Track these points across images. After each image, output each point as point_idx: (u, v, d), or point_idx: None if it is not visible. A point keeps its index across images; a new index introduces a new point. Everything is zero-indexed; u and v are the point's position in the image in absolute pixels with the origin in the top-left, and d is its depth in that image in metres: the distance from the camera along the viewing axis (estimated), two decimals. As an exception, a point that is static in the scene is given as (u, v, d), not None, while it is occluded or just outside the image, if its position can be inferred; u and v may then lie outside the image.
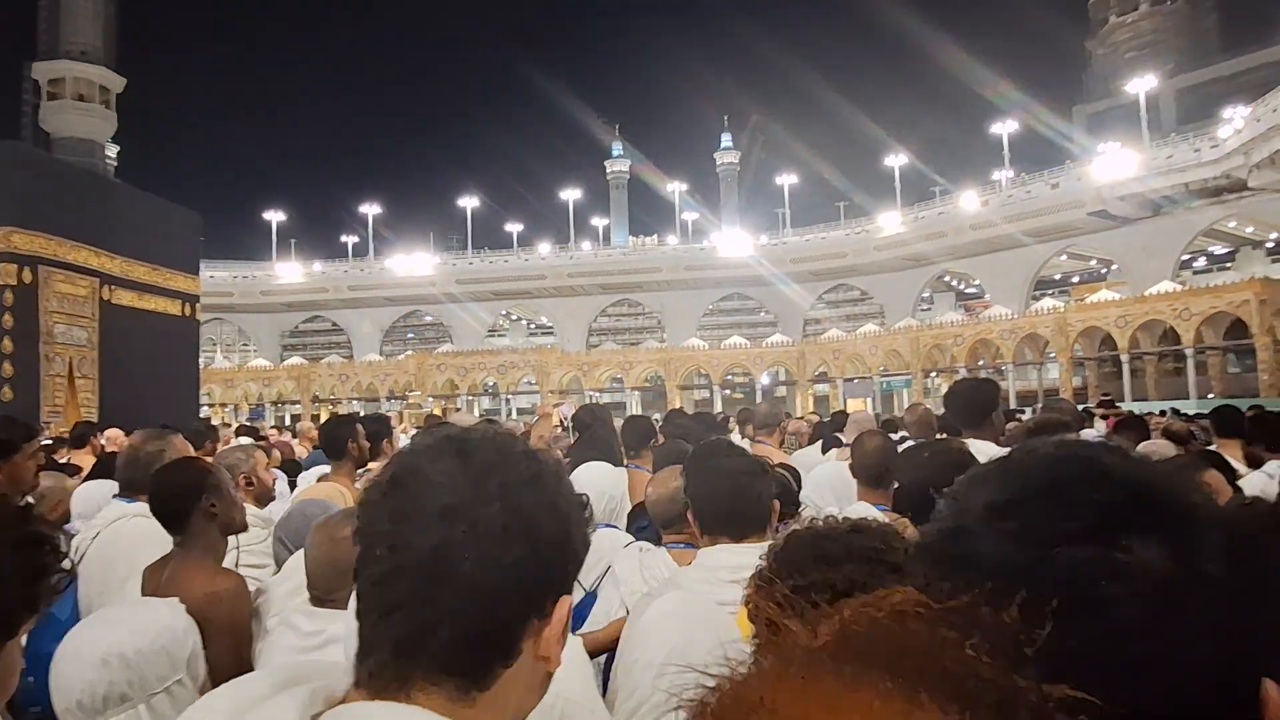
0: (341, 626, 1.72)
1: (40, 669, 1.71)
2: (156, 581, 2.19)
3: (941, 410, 5.35)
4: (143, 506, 2.52)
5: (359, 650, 0.77)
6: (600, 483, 3.21)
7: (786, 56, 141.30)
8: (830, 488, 3.72)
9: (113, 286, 16.31)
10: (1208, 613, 0.53)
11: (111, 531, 2.68)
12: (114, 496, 2.99)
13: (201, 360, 51.40)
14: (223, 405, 41.38)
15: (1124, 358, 32.46)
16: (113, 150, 64.86)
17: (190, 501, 2.25)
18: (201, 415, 27.57)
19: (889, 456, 3.07)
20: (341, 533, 1.88)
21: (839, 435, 6.03)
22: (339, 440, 4.04)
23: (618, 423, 4.94)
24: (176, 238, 18.51)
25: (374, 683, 0.75)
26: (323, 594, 1.91)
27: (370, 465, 4.12)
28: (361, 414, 5.93)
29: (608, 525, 3.02)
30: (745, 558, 1.87)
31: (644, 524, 2.98)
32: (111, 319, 16.16)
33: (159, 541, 2.27)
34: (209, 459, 3.08)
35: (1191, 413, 14.27)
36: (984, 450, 3.53)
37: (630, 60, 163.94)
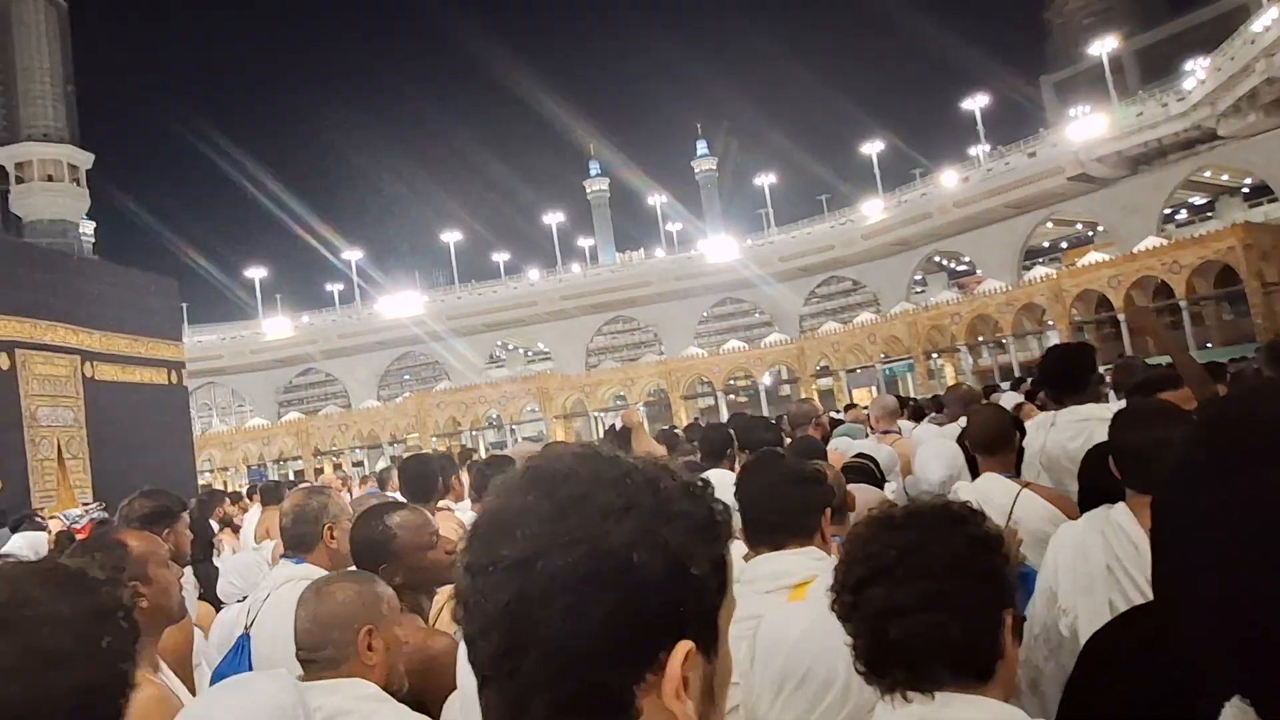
0: (339, 699, 1.68)
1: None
2: None
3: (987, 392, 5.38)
4: (310, 569, 2.57)
5: None
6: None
7: (755, 52, 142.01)
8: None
9: (94, 362, 16.07)
10: None
11: (280, 594, 2.62)
12: (281, 557, 2.95)
13: (198, 426, 51.10)
14: (222, 469, 41.04)
15: (1121, 317, 32.26)
16: (89, 227, 64.80)
17: None
18: (202, 482, 27.24)
19: (1006, 426, 3.24)
20: (335, 587, 1.84)
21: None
22: (429, 479, 3.88)
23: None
24: (155, 306, 18.30)
25: None
26: (305, 654, 1.79)
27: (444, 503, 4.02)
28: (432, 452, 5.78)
29: None
30: (785, 564, 1.94)
31: None
32: (96, 395, 15.92)
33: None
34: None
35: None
36: (1093, 414, 3.50)
37: (603, 72, 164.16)
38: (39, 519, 8.40)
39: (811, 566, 1.90)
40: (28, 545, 5.10)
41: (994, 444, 3.16)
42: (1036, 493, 2.86)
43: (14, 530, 6.51)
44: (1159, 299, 33.15)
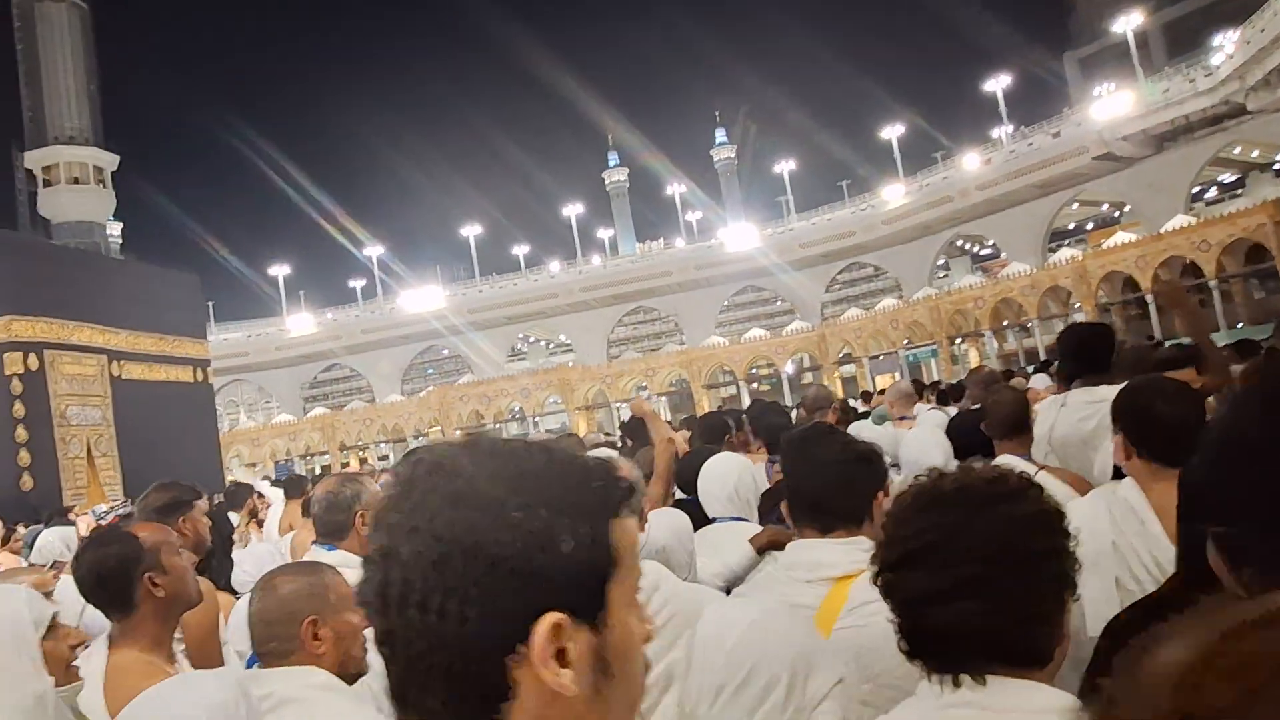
0: (288, 686, 1.70)
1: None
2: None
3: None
4: (344, 555, 2.57)
5: None
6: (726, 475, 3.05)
7: (774, 33, 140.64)
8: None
9: (121, 361, 16.28)
10: None
11: None
12: (313, 544, 2.95)
13: (226, 422, 51.62)
14: (250, 465, 41.54)
15: (1149, 298, 31.80)
16: (116, 227, 65.66)
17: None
18: (231, 478, 27.52)
19: (1025, 409, 3.26)
20: (279, 580, 1.85)
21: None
22: None
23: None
24: (179, 304, 18.51)
25: None
26: (257, 647, 1.84)
27: None
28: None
29: (736, 518, 2.91)
30: (828, 554, 1.83)
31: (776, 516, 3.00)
32: (123, 394, 16.13)
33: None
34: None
35: (1223, 344, 13.76)
36: (1107, 395, 3.44)
37: (622, 57, 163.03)
38: (70, 514, 8.60)
39: (858, 559, 1.74)
40: (59, 539, 5.19)
41: (1013, 427, 3.17)
42: (1054, 474, 2.80)
43: (46, 525, 6.65)
44: (1187, 278, 32.66)
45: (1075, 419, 3.48)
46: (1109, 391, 3.43)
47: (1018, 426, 3.18)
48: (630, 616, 0.75)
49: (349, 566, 2.14)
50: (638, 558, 0.77)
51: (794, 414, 6.87)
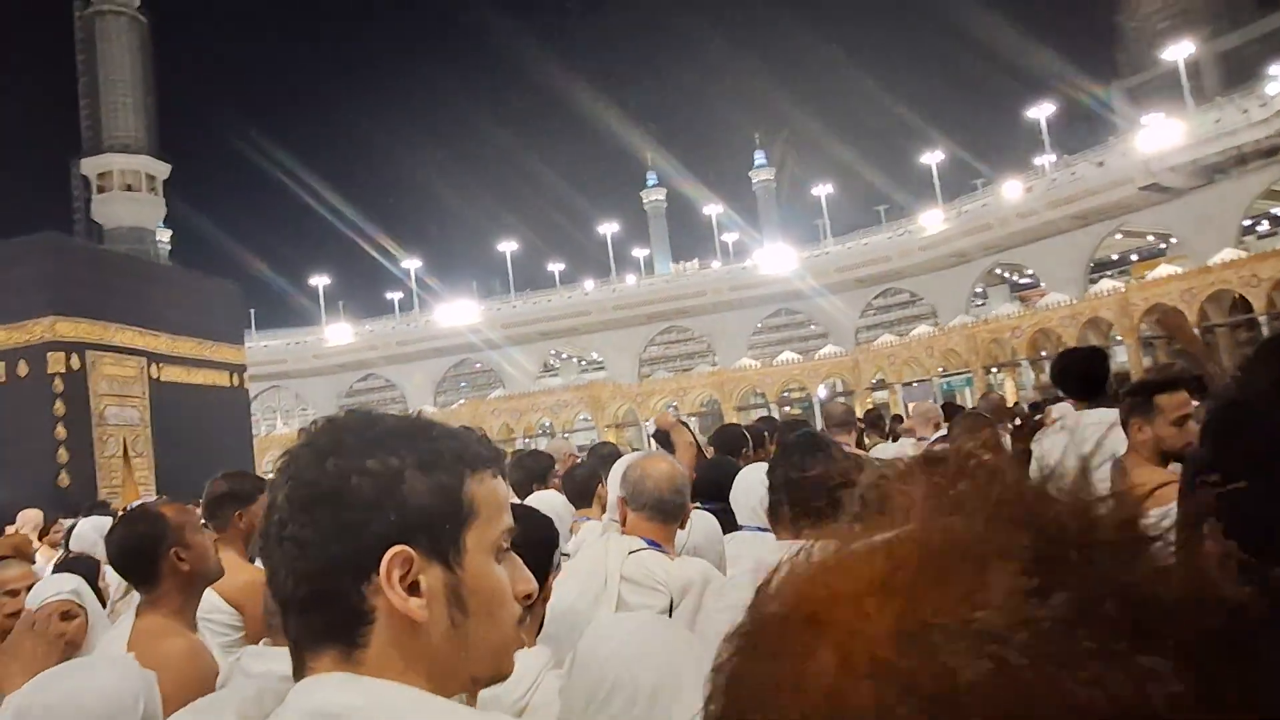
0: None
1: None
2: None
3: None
4: None
5: None
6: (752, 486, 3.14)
7: (816, 58, 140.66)
8: None
9: (160, 364, 16.57)
10: None
11: None
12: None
13: (263, 428, 52.30)
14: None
15: (1195, 332, 31.07)
16: (165, 235, 67.24)
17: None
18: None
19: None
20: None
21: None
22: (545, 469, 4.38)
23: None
24: (219, 311, 18.82)
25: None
26: (268, 620, 1.82)
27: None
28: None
29: (761, 529, 2.98)
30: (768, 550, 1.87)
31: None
32: (161, 396, 16.40)
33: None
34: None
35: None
36: (1107, 418, 3.42)
37: (662, 82, 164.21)
38: (109, 507, 8.81)
39: None
40: (93, 529, 5.32)
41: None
42: None
43: (86, 515, 6.81)
44: (1235, 313, 31.89)
45: (1075, 440, 3.42)
46: (1104, 415, 3.41)
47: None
48: (489, 564, 0.85)
49: None
50: (502, 511, 0.87)
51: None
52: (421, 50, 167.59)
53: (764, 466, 3.45)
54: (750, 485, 3.07)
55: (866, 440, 7.64)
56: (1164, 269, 34.17)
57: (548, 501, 4.46)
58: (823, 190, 52.00)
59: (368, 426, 0.85)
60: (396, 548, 0.79)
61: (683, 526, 2.57)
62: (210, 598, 2.59)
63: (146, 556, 2.20)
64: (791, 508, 2.30)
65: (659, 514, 2.46)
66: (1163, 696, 0.28)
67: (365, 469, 0.81)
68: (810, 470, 2.13)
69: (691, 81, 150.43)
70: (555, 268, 55.38)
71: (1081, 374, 3.79)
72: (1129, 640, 0.29)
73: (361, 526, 0.79)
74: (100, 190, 53.25)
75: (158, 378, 16.45)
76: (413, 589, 0.80)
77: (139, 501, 8.60)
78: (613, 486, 3.08)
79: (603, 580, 2.32)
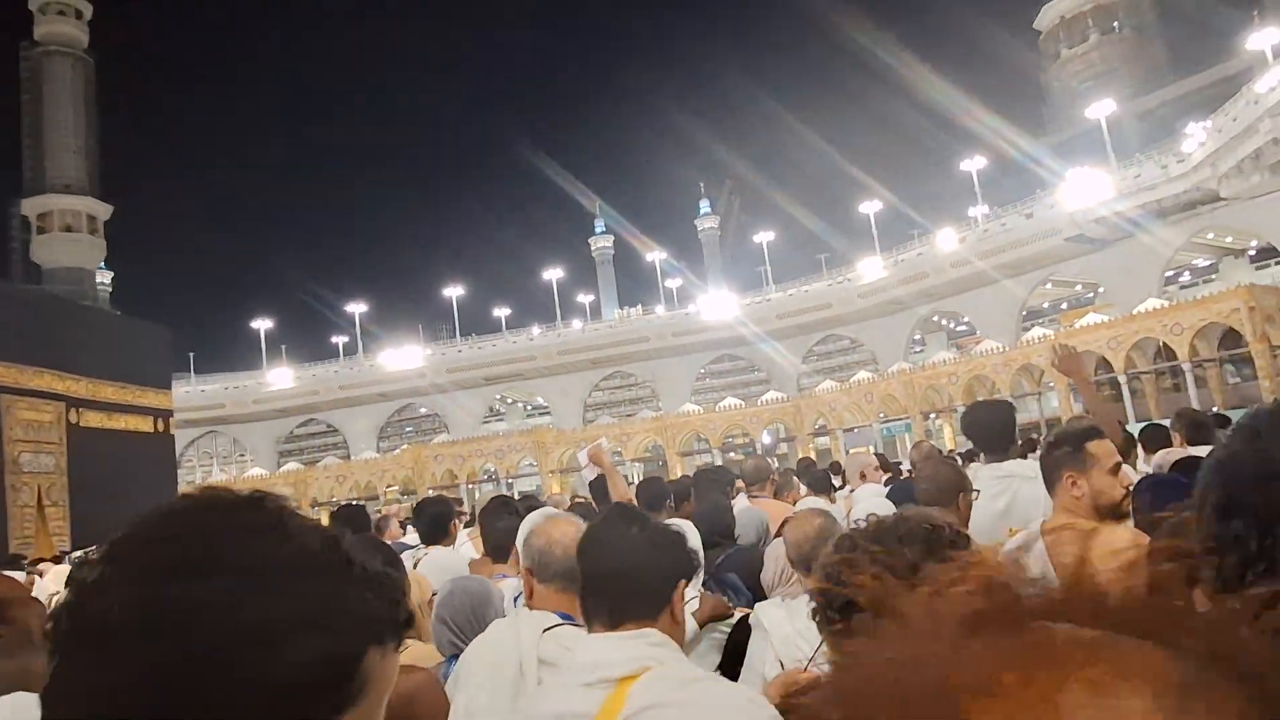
0: None
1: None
2: None
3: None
4: None
5: None
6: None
7: (759, 110, 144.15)
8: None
9: (80, 409, 16.14)
10: None
11: None
12: None
13: (199, 474, 50.70)
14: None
15: (1122, 379, 32.09)
16: (107, 276, 65.74)
17: None
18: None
19: (956, 480, 3.34)
20: None
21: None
22: (445, 519, 4.27)
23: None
24: (146, 355, 18.44)
25: None
26: None
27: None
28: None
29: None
30: (608, 652, 1.60)
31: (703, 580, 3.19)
32: (80, 442, 15.95)
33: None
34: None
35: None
36: (1018, 471, 3.49)
37: (608, 134, 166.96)
38: (18, 562, 8.53)
39: (643, 655, 1.56)
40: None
41: (945, 498, 3.21)
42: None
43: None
44: (1159, 361, 33.00)
45: (986, 497, 3.48)
46: (1018, 467, 3.43)
47: (950, 497, 3.22)
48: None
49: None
50: (383, 703, 0.65)
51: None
52: (366, 101, 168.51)
53: (679, 522, 3.51)
54: None
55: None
56: (1091, 317, 35.32)
57: (441, 561, 4.28)
58: (765, 237, 52.98)
59: (262, 540, 0.59)
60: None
61: None
62: None
63: None
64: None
65: (570, 584, 2.06)
66: None
67: (237, 610, 0.55)
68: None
69: (638, 134, 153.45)
70: (501, 313, 55.35)
71: (988, 426, 3.76)
72: None
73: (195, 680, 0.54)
74: (40, 231, 52.12)
75: (77, 423, 16.01)
76: None
77: (81, 554, 8.40)
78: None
79: (517, 668, 2.00)
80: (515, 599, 3.17)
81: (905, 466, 10.04)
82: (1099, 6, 58.91)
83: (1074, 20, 59.80)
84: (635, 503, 4.63)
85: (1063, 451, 2.67)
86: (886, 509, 3.78)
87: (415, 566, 4.22)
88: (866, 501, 4.16)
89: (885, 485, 5.65)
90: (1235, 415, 17.26)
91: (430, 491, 37.62)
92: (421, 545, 4.74)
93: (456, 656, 2.41)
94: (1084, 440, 2.67)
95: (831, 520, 2.82)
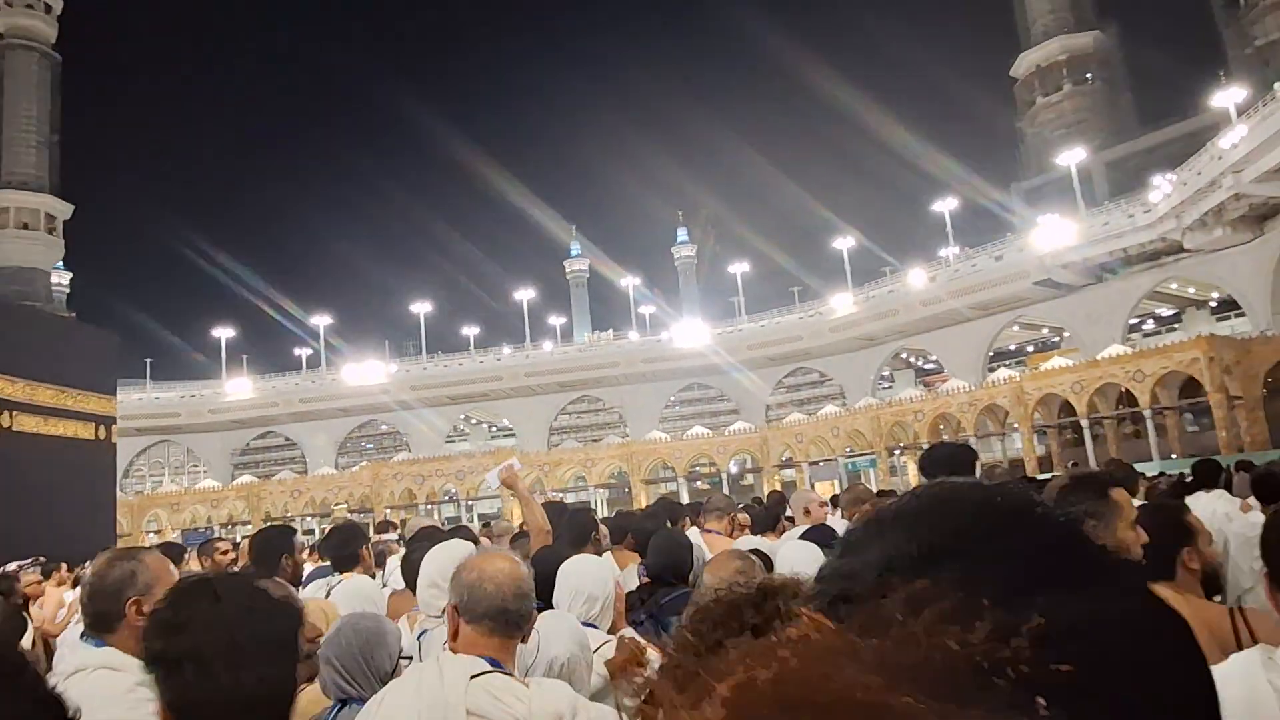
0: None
1: None
2: None
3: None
4: (111, 655, 2.18)
5: None
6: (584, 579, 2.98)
7: (738, 148, 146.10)
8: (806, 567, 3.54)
9: (13, 412, 15.40)
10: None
11: (70, 686, 2.01)
12: (80, 638, 2.46)
13: (148, 484, 49.36)
14: (160, 532, 39.57)
15: (1084, 423, 32.25)
16: (65, 277, 64.25)
17: None
18: (147, 544, 26.21)
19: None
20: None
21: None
22: (355, 545, 4.17)
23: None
24: (89, 359, 17.70)
25: None
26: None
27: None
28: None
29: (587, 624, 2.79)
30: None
31: (639, 619, 3.18)
32: (11, 447, 15.19)
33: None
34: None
35: (1154, 474, 13.73)
36: None
37: (588, 161, 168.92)
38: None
39: None
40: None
41: None
42: None
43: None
44: (1121, 407, 33.25)
45: None
46: None
47: None
48: None
49: (117, 669, 2.00)
50: None
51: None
52: (340, 130, 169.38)
53: (591, 558, 3.25)
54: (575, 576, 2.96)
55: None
56: (1056, 361, 35.56)
57: (357, 589, 3.98)
58: (739, 268, 53.04)
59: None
60: None
61: (525, 640, 2.14)
62: None
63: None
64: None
65: (500, 625, 2.01)
66: None
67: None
68: None
69: (616, 173, 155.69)
70: (470, 332, 54.76)
71: (947, 466, 3.52)
72: None
73: None
74: (-5, 227, 50.85)
75: (9, 427, 15.27)
76: None
77: (15, 564, 7.78)
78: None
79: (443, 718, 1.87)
80: (419, 636, 2.96)
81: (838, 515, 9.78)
82: (1073, 58, 60.17)
83: (1048, 70, 60.99)
84: (549, 530, 4.39)
85: (1090, 501, 2.23)
86: (812, 561, 3.50)
87: (328, 595, 4.00)
88: (790, 552, 3.85)
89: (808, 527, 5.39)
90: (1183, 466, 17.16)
91: (387, 511, 36.82)
92: (336, 573, 4.41)
93: (345, 701, 2.31)
94: (1107, 487, 2.28)
95: (751, 563, 2.78)
